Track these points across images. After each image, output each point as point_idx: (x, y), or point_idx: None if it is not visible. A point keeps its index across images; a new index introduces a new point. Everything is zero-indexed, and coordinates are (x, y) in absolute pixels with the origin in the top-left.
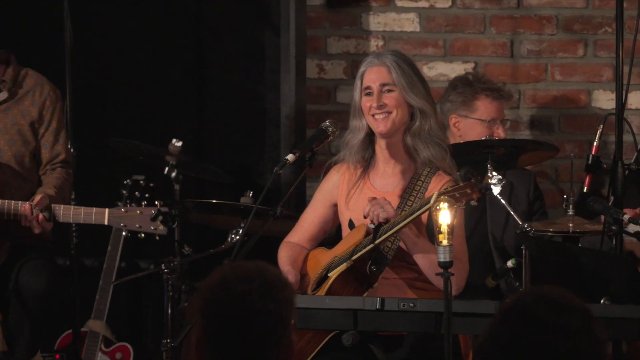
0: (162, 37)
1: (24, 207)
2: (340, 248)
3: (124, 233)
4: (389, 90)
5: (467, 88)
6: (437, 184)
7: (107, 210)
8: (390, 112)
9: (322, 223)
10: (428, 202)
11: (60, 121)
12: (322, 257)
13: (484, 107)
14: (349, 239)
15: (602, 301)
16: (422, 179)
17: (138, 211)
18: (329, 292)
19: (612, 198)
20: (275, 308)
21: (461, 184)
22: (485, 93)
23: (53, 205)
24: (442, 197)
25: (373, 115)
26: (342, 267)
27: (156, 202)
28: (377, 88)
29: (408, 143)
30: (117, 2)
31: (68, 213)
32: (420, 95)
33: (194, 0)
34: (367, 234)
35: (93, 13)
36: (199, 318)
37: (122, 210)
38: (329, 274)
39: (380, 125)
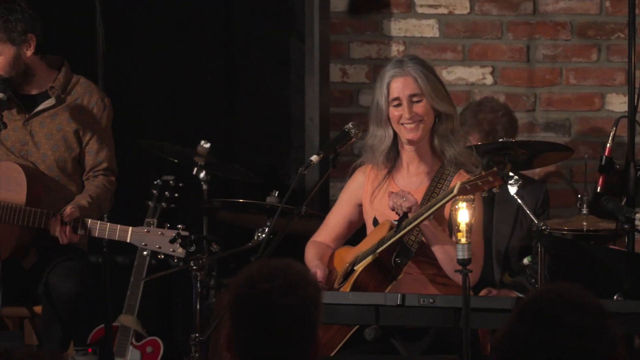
0: (193, 44)
1: (54, 219)
2: (365, 244)
3: (144, 252)
4: (418, 101)
5: None
6: (459, 177)
7: (130, 228)
8: (420, 121)
9: (348, 222)
10: (451, 192)
11: (106, 129)
12: (347, 254)
13: None
14: (373, 235)
15: (615, 297)
16: (445, 177)
17: (160, 232)
18: (355, 285)
19: (624, 198)
20: (297, 306)
21: (483, 173)
22: None
23: (83, 219)
24: (465, 185)
25: (403, 124)
26: (368, 259)
27: (179, 226)
28: (406, 99)
29: (435, 145)
30: (149, 10)
31: (95, 227)
32: (444, 99)
33: (223, 8)
34: (391, 229)
35: (125, 20)
36: (228, 314)
37: (145, 230)
38: (355, 268)
39: (411, 133)
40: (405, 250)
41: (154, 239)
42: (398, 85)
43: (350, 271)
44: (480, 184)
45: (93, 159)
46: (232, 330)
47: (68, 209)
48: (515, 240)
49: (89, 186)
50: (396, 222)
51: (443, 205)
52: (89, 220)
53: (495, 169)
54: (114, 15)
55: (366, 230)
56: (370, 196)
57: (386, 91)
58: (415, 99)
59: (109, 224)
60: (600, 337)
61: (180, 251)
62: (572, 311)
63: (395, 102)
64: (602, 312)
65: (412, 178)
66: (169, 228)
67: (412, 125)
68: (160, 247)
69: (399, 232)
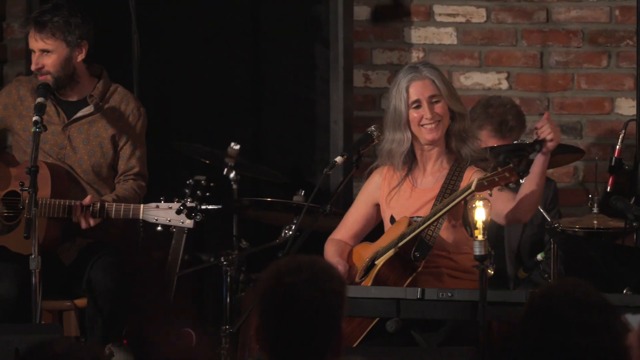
0: (223, 50)
1: (75, 206)
2: (383, 240)
3: (159, 228)
4: (437, 101)
5: None
6: (469, 175)
7: (142, 206)
8: (439, 121)
9: (365, 221)
10: (469, 188)
11: (139, 136)
12: (366, 250)
13: None
14: (390, 232)
15: (624, 291)
16: (458, 174)
17: (168, 206)
18: (377, 278)
19: (633, 197)
20: (322, 298)
21: (500, 169)
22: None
23: (106, 204)
24: (482, 182)
25: (423, 125)
26: (390, 253)
27: (202, 180)
28: (426, 100)
29: (451, 144)
30: (181, 19)
31: (111, 209)
32: (458, 99)
33: (252, 17)
34: (409, 225)
35: (159, 28)
36: (257, 307)
37: (155, 206)
38: (376, 262)
39: (431, 133)
40: (424, 244)
41: (163, 213)
42: (417, 88)
43: (370, 265)
44: (497, 179)
45: (125, 164)
46: (261, 322)
47: (88, 197)
48: (526, 237)
49: (118, 188)
50: (414, 218)
51: (460, 201)
52: (106, 203)
53: (511, 165)
54: (148, 24)
55: (384, 227)
56: (387, 196)
57: (405, 95)
58: (434, 99)
59: (123, 204)
60: (606, 333)
61: (188, 222)
62: (579, 309)
63: (415, 105)
64: (608, 308)
65: (428, 177)
66: (177, 201)
67: (433, 126)
68: (170, 220)
69: (420, 227)
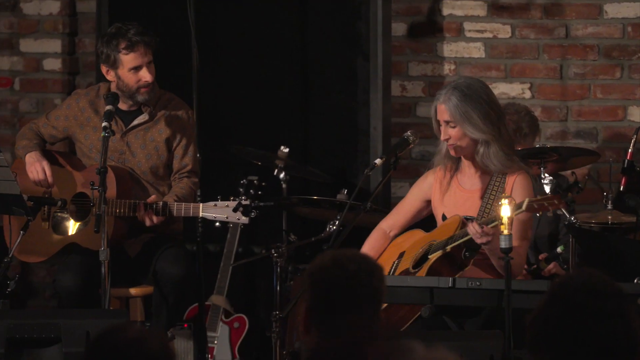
0: (274, 63)
1: (139, 206)
2: (437, 233)
3: (217, 224)
4: (452, 126)
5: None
6: (511, 179)
7: (201, 205)
8: (454, 143)
9: (414, 214)
10: (520, 207)
11: (190, 137)
12: (420, 238)
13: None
14: (444, 227)
15: (635, 281)
16: (500, 178)
17: (226, 205)
18: (429, 272)
19: None
20: (376, 284)
21: (550, 195)
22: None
23: (169, 203)
24: (532, 204)
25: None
26: (439, 253)
27: (254, 178)
28: (443, 122)
29: (478, 162)
30: (236, 33)
31: (173, 208)
32: (478, 128)
33: (300, 34)
34: (463, 225)
35: (216, 42)
36: (308, 292)
37: (213, 204)
38: (429, 256)
39: (452, 150)
40: (472, 244)
41: (221, 211)
42: (438, 110)
43: (423, 258)
44: (546, 204)
45: (179, 163)
46: (314, 304)
47: (152, 197)
48: (543, 228)
49: (175, 187)
50: (466, 218)
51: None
52: (168, 203)
53: (560, 193)
54: (206, 40)
55: (436, 221)
56: (438, 195)
57: (434, 112)
58: (450, 124)
59: (184, 203)
60: (619, 319)
61: (243, 219)
62: (595, 298)
63: (437, 124)
64: (621, 297)
65: (473, 179)
66: (233, 200)
67: (450, 145)
68: (227, 217)
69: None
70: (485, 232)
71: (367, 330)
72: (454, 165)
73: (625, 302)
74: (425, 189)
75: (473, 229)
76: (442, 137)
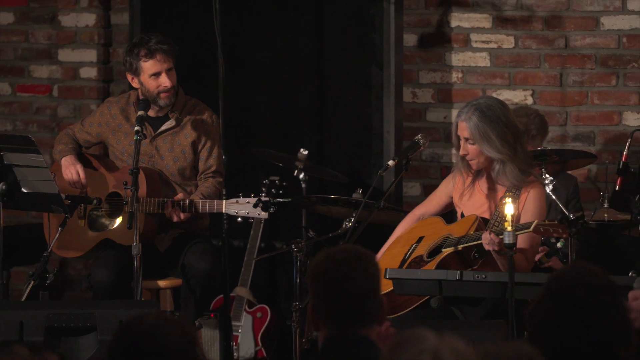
0: (293, 71)
1: (167, 203)
2: (454, 228)
3: (239, 219)
4: (471, 144)
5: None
6: (525, 193)
7: (224, 201)
8: (471, 159)
9: (443, 206)
10: (527, 227)
11: (214, 140)
12: (439, 227)
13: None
14: (461, 223)
15: (629, 274)
16: (517, 187)
17: (247, 201)
18: (440, 264)
19: (638, 195)
20: (367, 269)
21: (557, 224)
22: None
23: (195, 201)
24: (539, 227)
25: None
26: (451, 249)
27: (275, 178)
28: (462, 139)
29: (493, 178)
30: (258, 44)
31: (199, 205)
32: (494, 147)
33: (317, 43)
34: (478, 227)
35: (240, 53)
36: (310, 290)
37: (235, 201)
38: (443, 249)
39: (470, 164)
40: (483, 249)
41: (243, 207)
42: (459, 127)
43: (438, 250)
44: (551, 230)
45: (204, 164)
46: (316, 298)
47: (179, 195)
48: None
49: (201, 186)
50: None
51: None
52: (194, 200)
53: (565, 224)
54: (231, 49)
55: (456, 217)
56: (459, 195)
57: (455, 127)
58: (468, 142)
59: (208, 201)
60: (613, 310)
61: (263, 214)
62: (589, 291)
63: (457, 139)
64: (613, 289)
65: (492, 184)
66: (254, 197)
67: (470, 161)
68: (248, 213)
69: (478, 240)
70: (493, 241)
71: (371, 316)
72: (473, 171)
73: (619, 294)
74: (450, 187)
75: (487, 237)
76: (461, 153)
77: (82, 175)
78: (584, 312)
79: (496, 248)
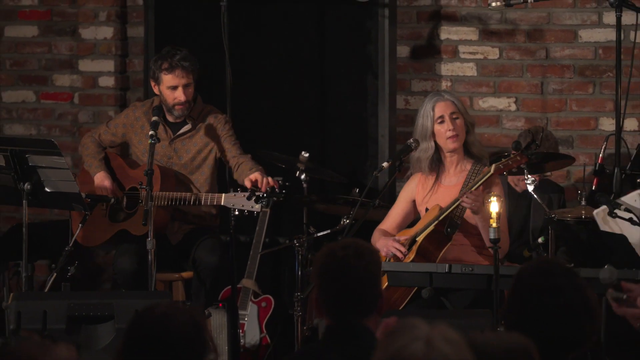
0: (296, 78)
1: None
2: (420, 224)
3: (235, 212)
4: (456, 118)
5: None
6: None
7: (223, 195)
8: (458, 135)
9: (405, 215)
10: (489, 172)
11: (231, 130)
12: (406, 234)
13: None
14: (425, 218)
15: (605, 267)
16: (476, 172)
17: (243, 195)
18: (419, 250)
19: (612, 194)
20: (366, 266)
21: (512, 153)
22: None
23: (199, 194)
24: (499, 165)
25: (447, 138)
26: (430, 228)
27: (278, 179)
28: (448, 116)
29: (470, 149)
30: (264, 53)
31: (202, 198)
32: (469, 116)
33: (319, 54)
34: (440, 209)
35: (246, 61)
36: (314, 282)
37: (233, 194)
38: (417, 239)
39: (454, 144)
40: (453, 222)
41: (239, 200)
42: (441, 107)
43: (412, 242)
44: (510, 162)
45: (231, 147)
46: (319, 290)
47: (256, 174)
48: (536, 221)
49: (246, 162)
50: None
51: (483, 183)
52: (198, 194)
53: (521, 150)
54: (238, 58)
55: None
56: (422, 198)
57: (432, 113)
58: (454, 116)
59: (210, 194)
60: (572, 292)
61: (257, 207)
62: (545, 276)
63: (440, 120)
64: (570, 273)
65: (452, 177)
66: (246, 191)
67: (454, 137)
68: (243, 206)
69: (450, 207)
70: (473, 195)
71: (370, 307)
72: (435, 169)
73: (577, 278)
74: (411, 191)
75: (465, 198)
76: (452, 132)
77: (110, 189)
78: (544, 295)
79: (477, 200)
